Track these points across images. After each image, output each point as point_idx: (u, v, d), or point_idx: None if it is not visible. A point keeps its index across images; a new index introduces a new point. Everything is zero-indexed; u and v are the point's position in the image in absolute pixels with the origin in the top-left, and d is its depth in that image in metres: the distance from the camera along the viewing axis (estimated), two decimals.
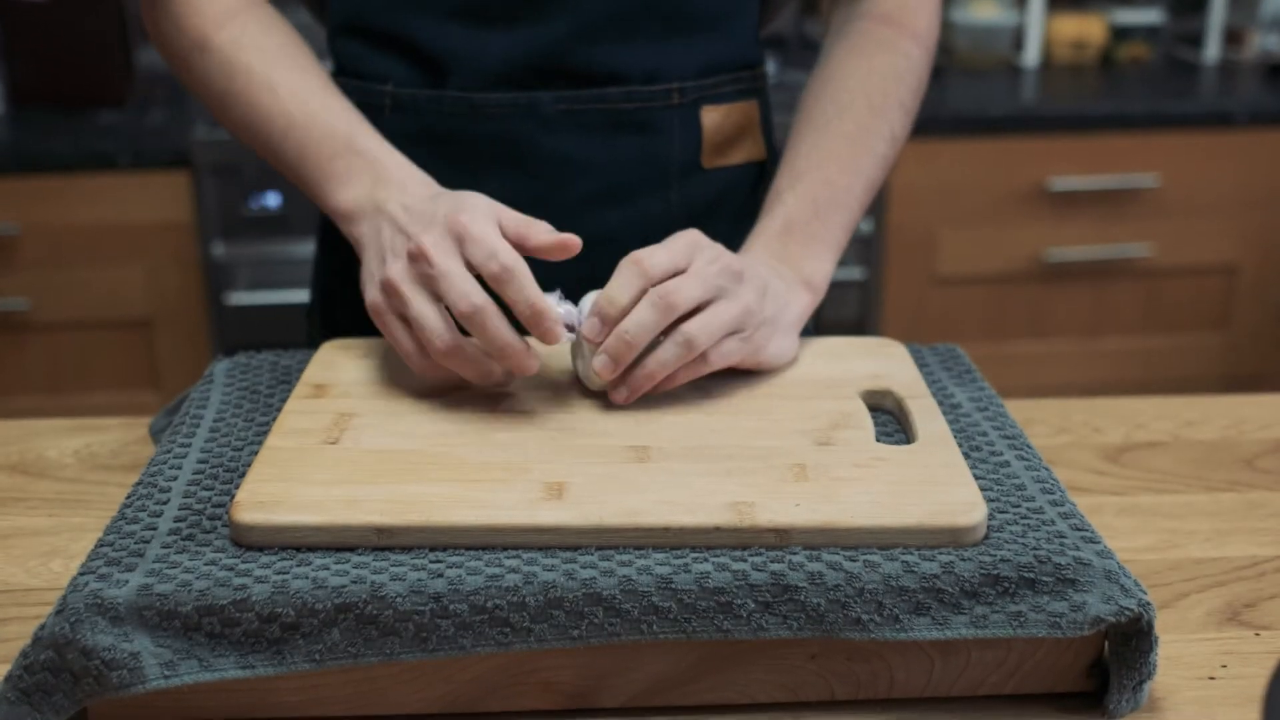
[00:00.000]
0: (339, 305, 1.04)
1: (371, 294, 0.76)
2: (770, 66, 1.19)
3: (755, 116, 1.00)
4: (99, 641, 0.57)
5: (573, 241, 0.73)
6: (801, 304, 0.83)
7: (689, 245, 0.76)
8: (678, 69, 0.93)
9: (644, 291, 0.73)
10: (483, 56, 0.90)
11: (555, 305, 0.74)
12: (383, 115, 0.93)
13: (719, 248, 0.77)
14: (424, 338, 0.73)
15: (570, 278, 0.83)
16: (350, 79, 0.94)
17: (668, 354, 0.73)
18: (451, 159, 0.93)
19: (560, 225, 0.91)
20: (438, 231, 0.73)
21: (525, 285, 0.71)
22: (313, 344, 1.06)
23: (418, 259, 0.73)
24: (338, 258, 1.02)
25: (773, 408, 0.76)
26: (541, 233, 0.74)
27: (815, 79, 0.95)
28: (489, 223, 0.73)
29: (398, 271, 0.74)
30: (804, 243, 0.86)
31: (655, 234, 0.94)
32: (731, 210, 0.99)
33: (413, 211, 0.77)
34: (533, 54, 0.90)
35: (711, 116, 0.96)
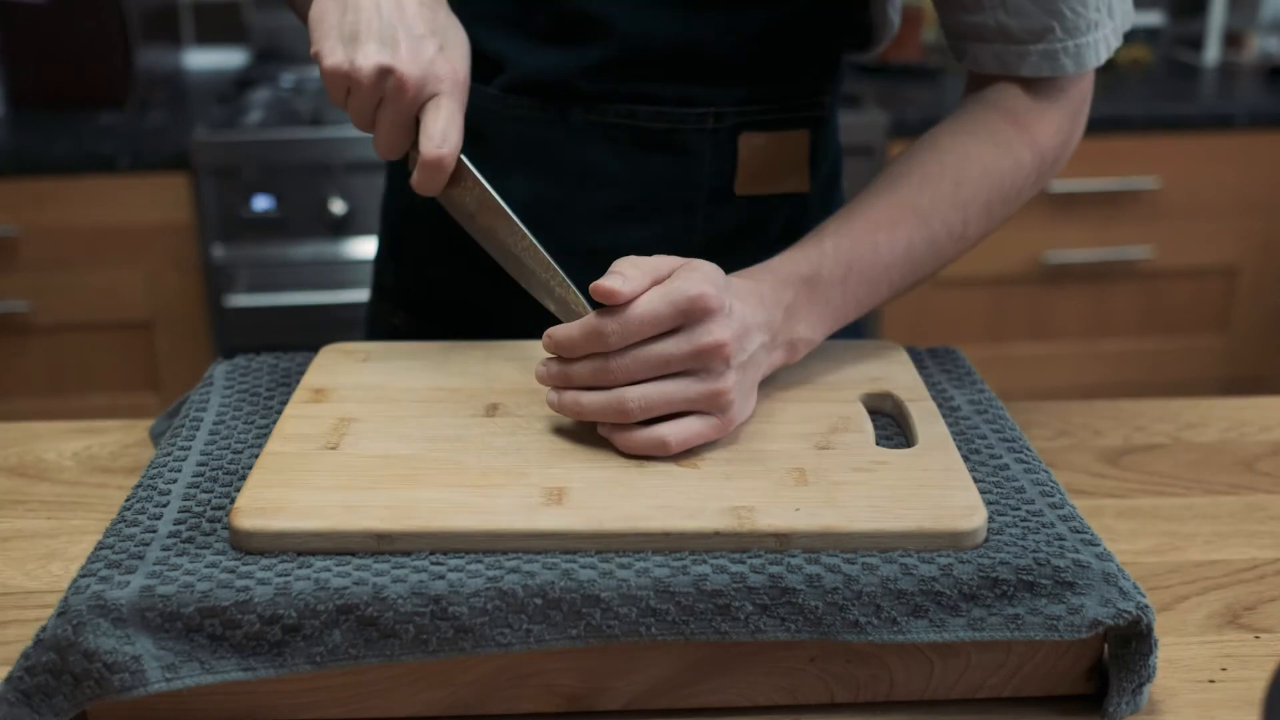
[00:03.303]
0: (383, 269, 1.06)
1: (332, 55, 0.76)
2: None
3: (803, 148, 0.95)
4: (101, 644, 0.57)
5: (439, 167, 0.77)
6: (773, 364, 0.77)
7: (687, 311, 0.69)
8: (716, 96, 0.90)
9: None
10: (521, 63, 0.89)
11: None
12: None
13: (732, 302, 0.72)
14: (362, 122, 0.78)
15: (587, 284, 0.83)
16: None
17: (594, 401, 0.70)
18: (482, 154, 0.92)
19: (580, 234, 0.91)
20: (420, 67, 0.75)
21: (442, 177, 0.77)
22: (371, 303, 1.08)
23: (392, 77, 0.75)
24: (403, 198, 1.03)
25: (772, 411, 0.76)
26: (438, 146, 0.76)
27: (920, 141, 0.87)
28: (456, 105, 0.77)
29: (365, 68, 0.75)
30: (817, 303, 0.79)
31: (679, 253, 0.92)
32: (760, 241, 0.94)
33: (407, 17, 0.76)
34: (567, 73, 0.89)
35: (751, 143, 0.92)
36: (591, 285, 0.69)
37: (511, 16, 0.89)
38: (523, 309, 0.87)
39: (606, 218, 0.93)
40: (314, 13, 0.78)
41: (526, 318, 0.87)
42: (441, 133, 0.76)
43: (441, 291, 1.00)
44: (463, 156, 0.78)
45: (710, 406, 0.70)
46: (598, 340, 0.68)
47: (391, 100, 0.76)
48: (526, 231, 0.77)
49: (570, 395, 0.71)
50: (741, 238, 0.95)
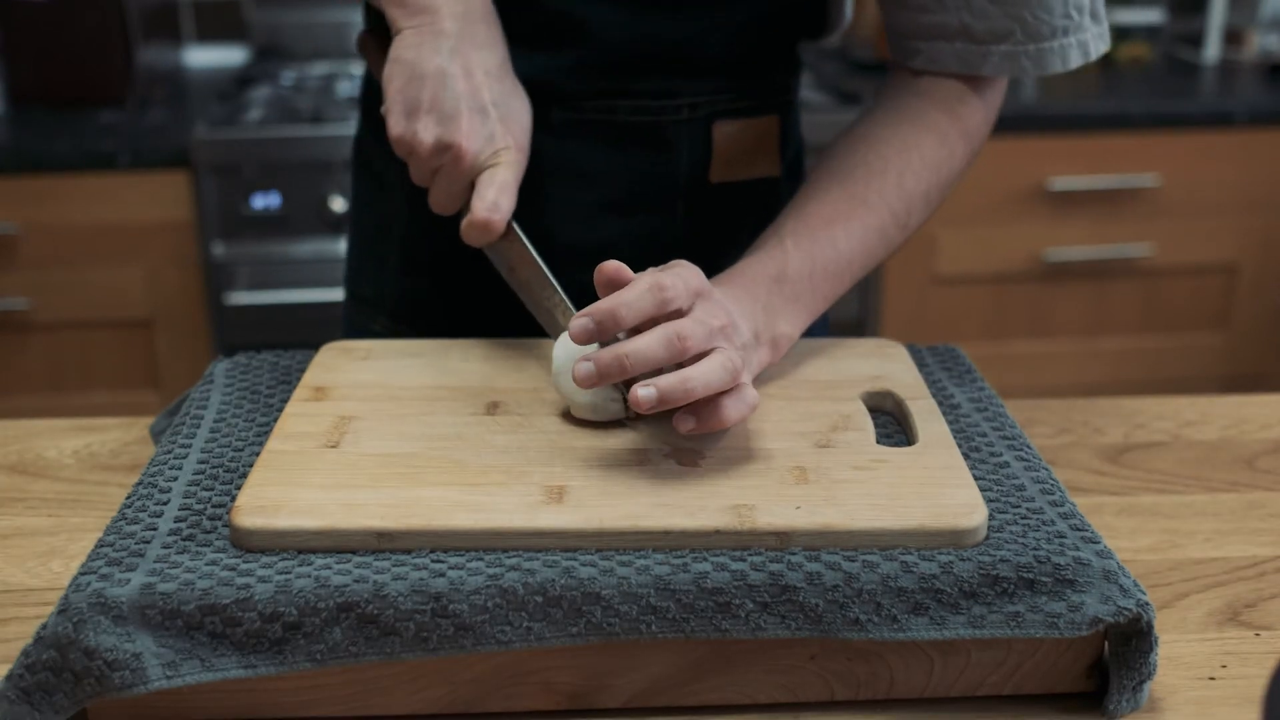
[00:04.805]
0: (361, 278, 1.05)
1: (395, 127, 0.79)
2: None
3: (774, 133, 0.97)
4: (101, 642, 0.57)
5: (488, 229, 0.79)
6: (761, 362, 0.78)
7: (694, 292, 0.71)
8: (693, 88, 0.91)
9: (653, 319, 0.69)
10: None
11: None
12: None
13: (717, 294, 0.74)
14: (420, 180, 0.81)
15: (573, 283, 0.83)
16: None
17: (715, 378, 0.67)
18: None
19: (565, 232, 0.92)
20: (479, 142, 0.78)
21: (492, 237, 0.79)
22: (346, 312, 1.08)
23: (450, 152, 0.78)
24: (366, 228, 1.04)
25: (772, 410, 0.76)
26: (489, 211, 0.78)
27: (854, 134, 0.89)
28: (512, 175, 0.79)
29: (427, 142, 0.78)
30: (789, 300, 0.80)
31: (660, 246, 0.93)
32: (738, 227, 0.96)
33: (473, 88, 0.78)
34: (548, 75, 0.89)
35: (725, 131, 0.93)
36: (598, 268, 0.70)
37: None
38: (507, 317, 0.88)
39: (589, 214, 0.93)
40: (385, 74, 0.80)
41: (511, 326, 0.87)
42: (494, 199, 0.78)
43: (425, 300, 1.00)
44: (511, 220, 0.81)
45: (736, 379, 0.69)
46: (657, 294, 0.68)
47: (448, 170, 0.79)
48: (559, 288, 0.81)
49: (678, 375, 0.66)
50: (720, 225, 0.96)
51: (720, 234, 0.95)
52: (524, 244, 0.81)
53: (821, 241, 0.82)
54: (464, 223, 0.80)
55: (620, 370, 0.66)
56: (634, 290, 0.68)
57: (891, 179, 0.85)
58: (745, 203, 0.97)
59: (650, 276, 0.69)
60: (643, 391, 0.66)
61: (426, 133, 0.78)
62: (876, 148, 0.87)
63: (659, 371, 0.69)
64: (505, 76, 0.81)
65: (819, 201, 0.85)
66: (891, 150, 0.86)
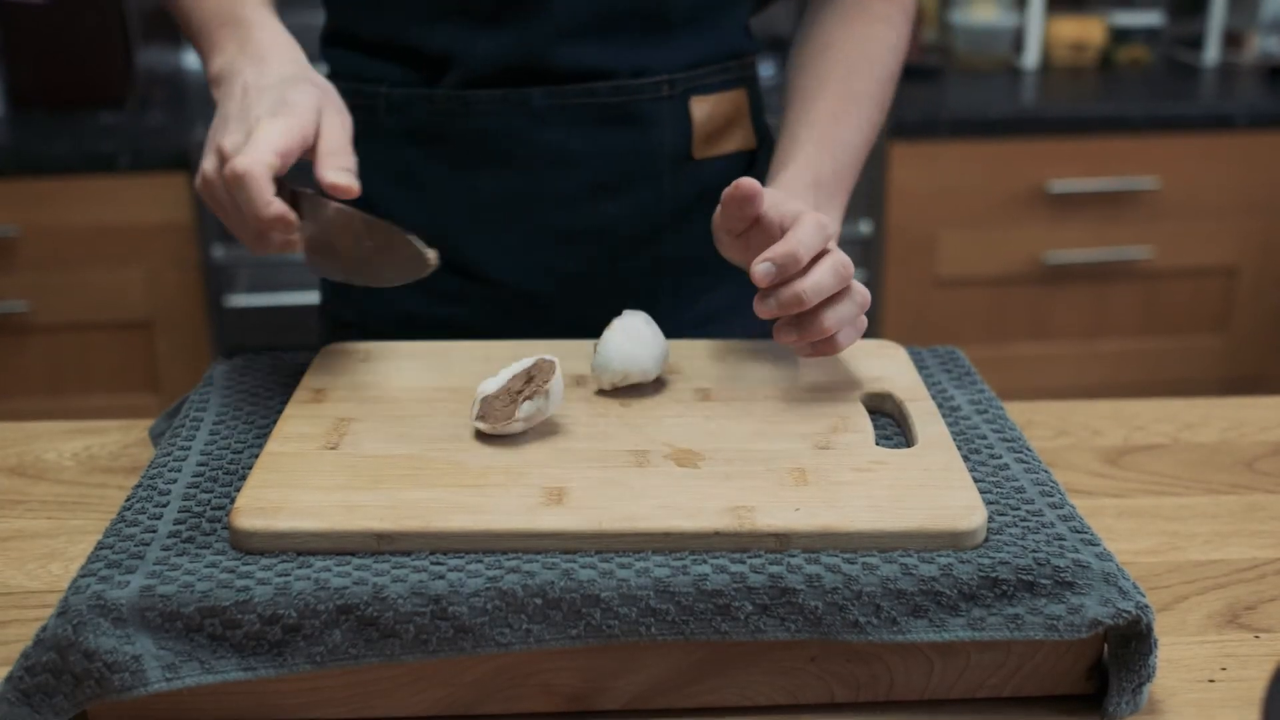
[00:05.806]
0: (341, 302, 1.04)
1: (200, 173, 0.74)
2: (767, 68, 1.16)
3: (744, 105, 1.00)
4: (101, 644, 0.57)
5: (346, 190, 0.72)
6: None
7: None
8: (665, 63, 0.93)
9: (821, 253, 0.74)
10: (472, 55, 0.90)
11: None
12: (377, 115, 0.94)
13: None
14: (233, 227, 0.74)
15: (569, 268, 0.83)
16: (346, 82, 0.94)
17: (846, 311, 0.75)
18: (446, 156, 0.93)
19: (554, 218, 0.93)
20: (239, 136, 0.72)
21: (255, 193, 0.70)
22: (323, 339, 1.07)
23: (220, 159, 0.72)
24: None
25: (772, 411, 0.76)
26: (329, 171, 0.72)
27: (812, 44, 0.96)
28: (275, 131, 0.71)
29: (209, 166, 0.73)
30: (828, 198, 0.87)
31: (650, 224, 0.95)
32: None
33: (244, 107, 0.75)
34: (520, 53, 0.90)
35: (701, 107, 0.96)
36: (735, 184, 0.75)
37: (452, 5, 0.90)
38: (492, 331, 0.88)
39: (577, 198, 0.94)
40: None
41: (497, 339, 0.87)
42: (249, 156, 0.71)
43: (408, 321, 0.99)
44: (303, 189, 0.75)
45: (849, 278, 0.75)
46: (820, 230, 0.73)
47: (228, 180, 0.71)
48: (398, 227, 0.74)
49: (823, 322, 0.74)
50: (704, 200, 0.97)
51: (706, 208, 0.96)
52: (340, 208, 0.74)
53: (836, 142, 0.89)
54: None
55: (798, 303, 0.72)
56: (803, 228, 0.73)
57: (864, 72, 0.93)
58: (728, 175, 0.98)
59: (810, 216, 0.74)
60: (763, 306, 0.73)
61: (207, 161, 0.74)
62: (841, 49, 0.94)
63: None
64: (282, 82, 0.76)
65: (815, 104, 0.91)
66: (854, 47, 0.94)
